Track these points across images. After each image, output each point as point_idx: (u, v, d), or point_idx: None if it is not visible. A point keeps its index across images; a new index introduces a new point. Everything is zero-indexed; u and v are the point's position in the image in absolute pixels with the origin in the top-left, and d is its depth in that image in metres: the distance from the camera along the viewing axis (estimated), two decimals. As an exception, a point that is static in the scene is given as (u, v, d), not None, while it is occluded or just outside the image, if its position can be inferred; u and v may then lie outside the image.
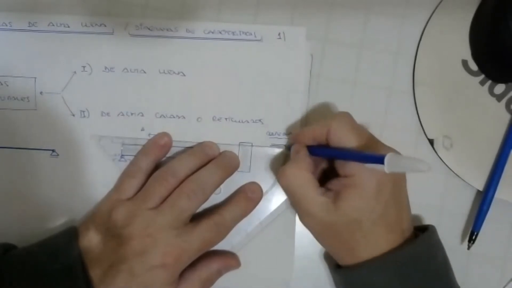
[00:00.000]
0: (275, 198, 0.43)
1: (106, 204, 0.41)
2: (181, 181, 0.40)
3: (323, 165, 0.41)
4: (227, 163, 0.42)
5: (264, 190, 0.42)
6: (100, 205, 0.42)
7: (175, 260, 0.38)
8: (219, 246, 0.41)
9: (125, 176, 0.42)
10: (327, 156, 0.40)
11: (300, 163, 0.39)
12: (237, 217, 0.41)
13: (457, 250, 0.43)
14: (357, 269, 0.37)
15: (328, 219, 0.37)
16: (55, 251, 0.38)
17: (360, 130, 0.38)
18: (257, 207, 0.42)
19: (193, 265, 0.40)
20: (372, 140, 0.38)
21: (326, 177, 0.40)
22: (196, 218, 0.39)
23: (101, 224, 0.39)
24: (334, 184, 0.39)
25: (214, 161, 0.42)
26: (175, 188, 0.39)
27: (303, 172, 0.38)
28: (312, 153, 0.40)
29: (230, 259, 0.42)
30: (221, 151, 0.43)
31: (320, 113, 0.44)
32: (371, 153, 0.35)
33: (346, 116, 0.39)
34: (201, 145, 0.43)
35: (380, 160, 0.32)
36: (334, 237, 0.38)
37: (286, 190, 0.40)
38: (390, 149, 0.38)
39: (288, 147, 0.43)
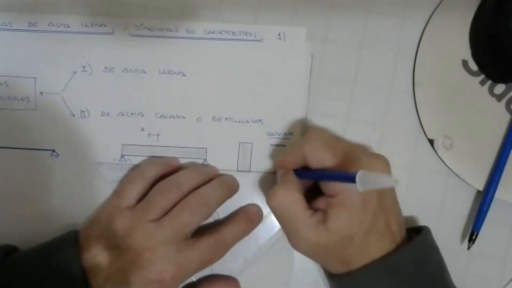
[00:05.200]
0: (274, 223, 0.43)
1: (106, 211, 0.40)
2: (184, 194, 0.39)
3: (308, 184, 0.41)
4: (229, 183, 0.42)
5: (264, 215, 0.42)
6: (100, 211, 0.41)
7: (173, 277, 0.37)
8: (218, 272, 0.41)
9: (126, 181, 0.42)
10: (309, 178, 0.40)
11: (289, 184, 0.38)
12: (237, 237, 0.40)
13: (457, 250, 0.43)
14: (351, 276, 0.37)
15: (320, 241, 0.36)
16: (54, 257, 0.38)
17: (334, 146, 0.38)
18: (256, 232, 0.42)
19: None
20: (349, 153, 0.38)
21: (311, 195, 0.39)
22: (196, 234, 0.39)
23: (100, 233, 0.39)
24: (320, 203, 0.38)
25: (218, 179, 0.41)
26: (177, 201, 0.39)
27: (293, 193, 0.38)
28: (299, 176, 0.39)
29: (231, 284, 0.42)
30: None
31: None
32: (343, 173, 0.35)
33: (318, 134, 0.39)
34: (202, 164, 0.43)
35: (352, 179, 0.32)
36: (328, 256, 0.38)
37: (276, 212, 0.38)
38: (373, 158, 0.38)
39: (274, 173, 0.42)
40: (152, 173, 0.41)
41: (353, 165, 0.36)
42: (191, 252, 0.38)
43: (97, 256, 0.38)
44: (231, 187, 0.42)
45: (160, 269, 0.37)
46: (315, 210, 0.38)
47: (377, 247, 0.37)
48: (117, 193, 0.41)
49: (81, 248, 0.38)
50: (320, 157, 0.37)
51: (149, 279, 0.37)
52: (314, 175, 0.39)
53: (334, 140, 0.39)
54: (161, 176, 0.41)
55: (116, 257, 0.37)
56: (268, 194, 0.38)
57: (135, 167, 0.43)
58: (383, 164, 0.38)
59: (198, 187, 0.40)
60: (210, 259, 0.39)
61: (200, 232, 0.39)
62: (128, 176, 0.42)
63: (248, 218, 0.41)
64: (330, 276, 0.40)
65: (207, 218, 0.39)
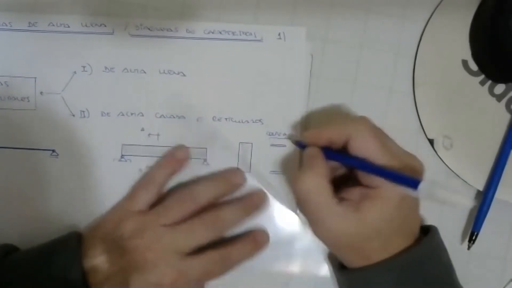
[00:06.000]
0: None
1: (115, 213, 0.41)
2: (201, 206, 0.39)
3: (340, 171, 0.39)
4: (253, 206, 0.41)
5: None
6: (109, 213, 0.42)
7: (172, 283, 0.37)
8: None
9: (138, 186, 0.42)
10: (349, 165, 0.38)
11: (316, 169, 0.36)
12: (243, 257, 0.40)
13: (457, 250, 0.43)
14: (362, 271, 0.37)
15: (349, 230, 0.36)
16: (54, 258, 0.38)
17: (381, 136, 0.37)
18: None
19: None
20: (394, 150, 0.36)
21: (339, 183, 0.38)
22: (202, 248, 0.39)
23: (107, 234, 0.39)
24: (353, 193, 0.37)
25: (242, 201, 0.41)
26: (192, 212, 0.39)
27: (319, 180, 0.36)
28: (328, 157, 0.37)
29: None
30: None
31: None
32: (403, 174, 0.34)
33: (368, 123, 0.37)
34: (225, 172, 0.42)
35: (413, 183, 0.31)
36: (350, 248, 0.37)
37: (300, 198, 0.37)
38: (416, 161, 0.38)
39: (299, 145, 0.41)
40: (163, 178, 0.41)
41: (395, 162, 0.35)
42: (194, 262, 0.38)
43: (100, 256, 0.38)
44: (254, 209, 0.41)
45: (161, 273, 0.37)
46: (342, 199, 0.37)
47: (398, 244, 0.37)
48: (129, 197, 0.41)
49: (84, 248, 0.38)
50: (367, 142, 0.36)
51: (149, 281, 0.37)
52: (359, 163, 0.36)
53: (379, 129, 0.37)
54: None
55: (119, 258, 0.37)
56: (293, 177, 0.37)
57: (148, 172, 0.42)
58: (422, 167, 0.38)
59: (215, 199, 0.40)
60: (211, 272, 0.39)
61: (207, 245, 0.39)
62: (140, 182, 0.42)
63: (256, 241, 0.41)
64: (340, 269, 0.39)
65: (220, 236, 0.40)
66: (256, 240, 0.41)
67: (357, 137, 0.36)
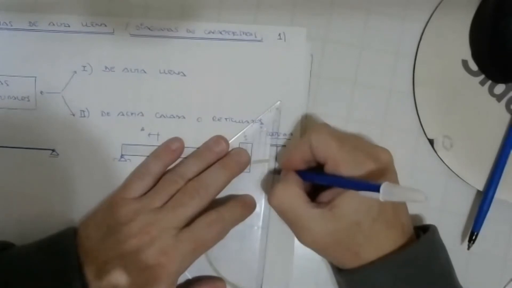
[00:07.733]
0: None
1: (110, 202, 0.41)
2: (189, 180, 0.40)
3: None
4: (234, 162, 0.42)
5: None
6: (104, 203, 0.42)
7: (169, 260, 0.37)
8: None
9: (133, 177, 0.42)
10: (321, 183, 0.39)
11: (288, 181, 0.39)
12: (235, 219, 0.41)
13: (457, 250, 0.43)
14: (360, 271, 0.37)
15: (326, 229, 0.36)
16: (51, 250, 0.38)
17: (341, 137, 0.38)
18: None
19: None
20: (357, 145, 0.38)
21: (316, 192, 0.39)
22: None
23: (102, 221, 0.39)
24: (326, 195, 0.38)
25: (220, 161, 0.42)
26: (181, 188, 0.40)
27: (292, 188, 0.38)
28: (304, 178, 0.39)
29: (217, 283, 0.42)
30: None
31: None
32: (364, 181, 0.35)
33: (323, 127, 0.39)
34: (208, 143, 0.43)
35: (374, 188, 0.32)
36: (337, 247, 0.37)
37: (278, 211, 0.39)
38: (379, 149, 0.38)
39: (278, 172, 0.43)
40: (158, 168, 0.42)
41: (358, 155, 0.37)
42: (187, 233, 0.38)
43: (96, 243, 0.38)
44: (235, 166, 0.42)
45: (157, 252, 0.37)
46: (320, 204, 0.38)
47: (387, 237, 0.37)
48: (124, 186, 0.42)
49: (79, 237, 0.39)
50: (327, 148, 0.37)
51: (146, 263, 0.37)
52: (328, 180, 0.38)
53: (339, 132, 0.39)
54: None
55: (116, 243, 0.38)
56: (269, 194, 0.39)
57: (142, 163, 0.43)
58: (389, 156, 0.38)
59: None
60: (206, 239, 0.39)
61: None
62: (135, 172, 0.43)
63: (244, 202, 0.42)
64: (339, 272, 0.39)
65: (208, 201, 0.40)
66: (245, 201, 0.42)
67: (316, 143, 0.38)
